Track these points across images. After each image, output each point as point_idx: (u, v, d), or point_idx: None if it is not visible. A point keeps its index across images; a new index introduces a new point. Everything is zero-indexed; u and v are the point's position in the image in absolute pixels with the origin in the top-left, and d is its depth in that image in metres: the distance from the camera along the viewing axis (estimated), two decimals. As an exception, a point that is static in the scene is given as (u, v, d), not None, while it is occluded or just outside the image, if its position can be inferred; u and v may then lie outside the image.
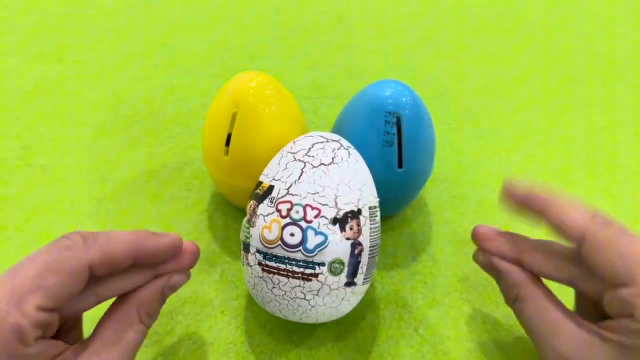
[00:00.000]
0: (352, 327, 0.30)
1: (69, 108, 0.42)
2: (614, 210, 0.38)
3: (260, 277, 0.25)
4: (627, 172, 0.41)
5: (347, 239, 0.25)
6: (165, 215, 0.35)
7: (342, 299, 0.26)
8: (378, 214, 0.27)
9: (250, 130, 0.30)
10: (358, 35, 0.53)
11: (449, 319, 0.31)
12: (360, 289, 0.26)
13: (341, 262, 0.25)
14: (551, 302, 0.25)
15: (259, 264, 0.25)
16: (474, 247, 0.34)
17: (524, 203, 0.26)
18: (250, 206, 0.27)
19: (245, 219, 0.27)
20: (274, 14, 0.55)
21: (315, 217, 0.25)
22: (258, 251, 0.25)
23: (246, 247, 0.27)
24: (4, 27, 0.50)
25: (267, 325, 0.30)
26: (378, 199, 0.27)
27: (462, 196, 0.38)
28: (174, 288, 0.25)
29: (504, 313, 0.31)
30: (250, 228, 0.26)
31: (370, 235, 0.26)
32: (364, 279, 0.26)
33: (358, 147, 0.29)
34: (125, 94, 0.44)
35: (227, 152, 0.30)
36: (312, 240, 0.24)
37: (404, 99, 0.30)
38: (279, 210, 0.25)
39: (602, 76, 0.50)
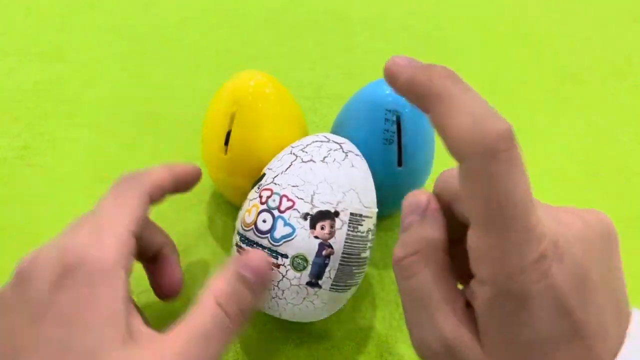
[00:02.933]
0: (352, 327, 0.30)
1: (69, 108, 0.42)
2: (614, 211, 0.38)
3: (237, 261, 0.26)
4: (627, 172, 0.41)
5: (316, 237, 0.25)
6: (165, 215, 0.35)
7: (304, 298, 0.25)
8: (366, 225, 0.26)
9: (250, 129, 0.30)
10: (358, 35, 0.53)
11: (449, 319, 0.31)
12: (327, 294, 0.26)
13: (304, 259, 0.25)
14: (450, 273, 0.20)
15: (236, 244, 0.26)
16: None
17: (407, 89, 0.19)
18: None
19: None
20: (274, 13, 0.55)
21: (288, 208, 0.25)
22: (238, 232, 0.26)
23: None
24: (4, 27, 0.50)
25: (267, 325, 0.30)
26: (370, 209, 0.27)
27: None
28: (247, 267, 0.22)
29: (504, 313, 0.31)
30: (240, 211, 0.27)
31: (347, 242, 0.25)
32: (333, 285, 0.25)
33: (358, 146, 0.29)
34: (125, 94, 0.44)
35: (226, 151, 0.30)
36: (280, 230, 0.25)
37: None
38: (260, 197, 0.26)
39: (602, 76, 0.50)
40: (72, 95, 0.43)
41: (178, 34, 0.51)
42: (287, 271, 0.25)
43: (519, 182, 0.17)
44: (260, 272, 0.23)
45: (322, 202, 0.25)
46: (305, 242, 0.25)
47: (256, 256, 0.23)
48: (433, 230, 0.20)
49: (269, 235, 0.25)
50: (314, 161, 0.26)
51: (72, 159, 0.38)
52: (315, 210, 0.25)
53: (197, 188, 0.37)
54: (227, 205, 0.36)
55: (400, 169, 0.30)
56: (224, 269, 0.23)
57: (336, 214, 0.25)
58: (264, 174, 0.27)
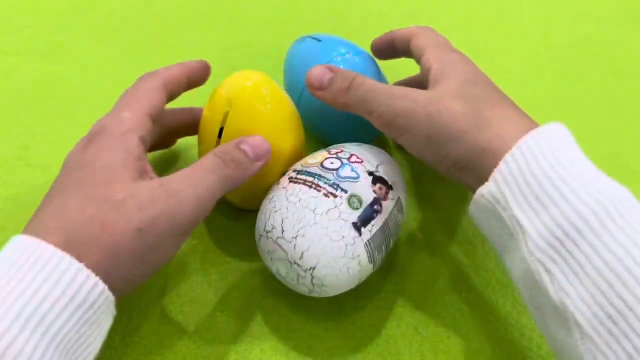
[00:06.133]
0: (352, 327, 0.30)
1: (69, 108, 0.42)
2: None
3: (284, 188, 0.28)
4: (627, 172, 0.41)
5: (374, 192, 0.27)
6: (165, 215, 0.35)
7: (343, 237, 0.25)
8: (401, 220, 0.30)
9: (242, 128, 0.29)
10: (358, 35, 0.53)
11: (449, 319, 0.31)
12: (360, 250, 0.26)
13: (360, 201, 0.27)
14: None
15: (289, 178, 0.28)
16: (473, 247, 0.34)
17: (388, 46, 0.36)
18: None
19: None
20: (273, 13, 0.55)
21: (357, 162, 0.28)
22: (294, 170, 0.29)
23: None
24: (4, 27, 0.50)
25: (267, 325, 0.30)
26: (404, 216, 0.30)
27: (463, 196, 0.38)
28: (249, 143, 0.28)
29: (504, 312, 0.31)
30: (298, 163, 0.30)
31: (391, 214, 0.28)
32: (368, 242, 0.26)
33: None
34: (125, 94, 0.44)
35: (218, 142, 0.30)
36: (347, 172, 0.28)
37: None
38: (329, 151, 0.30)
39: (602, 76, 0.50)
40: (72, 95, 0.43)
41: (178, 34, 0.51)
42: (341, 204, 0.26)
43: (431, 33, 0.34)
44: (255, 146, 0.28)
45: (384, 173, 0.29)
46: (365, 189, 0.27)
47: (256, 137, 0.28)
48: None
49: (335, 172, 0.27)
50: (379, 164, 0.30)
51: (72, 159, 0.38)
52: (378, 174, 0.28)
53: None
54: (227, 206, 0.36)
55: None
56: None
57: (391, 188, 0.29)
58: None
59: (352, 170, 0.28)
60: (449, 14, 0.57)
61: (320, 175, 0.27)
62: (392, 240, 0.29)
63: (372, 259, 0.27)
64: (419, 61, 0.32)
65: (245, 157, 0.27)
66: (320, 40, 0.37)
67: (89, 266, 0.21)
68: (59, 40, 0.49)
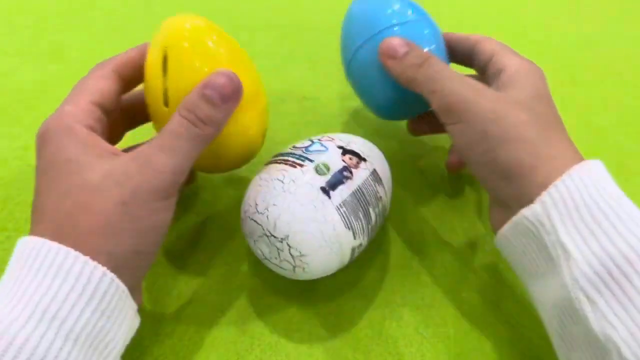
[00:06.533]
0: (352, 326, 0.30)
1: (69, 108, 0.42)
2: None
3: (258, 172, 0.29)
4: (627, 172, 0.41)
5: (343, 161, 0.28)
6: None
7: (311, 201, 0.26)
8: (380, 192, 0.30)
9: (188, 77, 0.26)
10: (358, 35, 0.53)
11: (449, 319, 0.31)
12: (332, 213, 0.26)
13: (327, 167, 0.28)
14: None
15: (265, 164, 0.30)
16: (473, 247, 0.34)
17: (455, 48, 0.35)
18: None
19: None
20: (273, 14, 0.55)
21: (327, 140, 0.30)
22: (274, 156, 0.30)
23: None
24: (4, 27, 0.50)
25: (268, 325, 0.30)
26: (385, 191, 0.30)
27: (462, 196, 0.38)
28: (213, 87, 0.25)
29: (504, 312, 0.31)
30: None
31: (365, 182, 0.29)
32: (340, 206, 0.27)
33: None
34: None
35: (166, 103, 0.27)
36: (315, 147, 0.29)
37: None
38: (302, 141, 0.31)
39: (601, 76, 0.50)
40: (72, 95, 0.43)
41: (178, 34, 0.51)
42: (307, 170, 0.27)
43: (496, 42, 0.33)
44: (220, 88, 0.25)
45: (356, 148, 0.30)
46: (333, 158, 0.28)
47: (222, 75, 0.26)
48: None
49: (304, 148, 0.29)
50: (351, 144, 0.31)
51: (72, 159, 0.38)
52: (349, 147, 0.30)
53: (197, 187, 0.37)
54: (228, 205, 0.36)
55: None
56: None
57: (364, 160, 0.30)
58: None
59: (321, 145, 0.29)
60: (448, 14, 0.57)
61: (290, 153, 0.29)
62: (372, 211, 0.28)
63: (348, 224, 0.27)
64: (487, 62, 0.32)
65: (211, 108, 0.25)
66: None
67: (89, 251, 0.21)
68: (59, 40, 0.49)
